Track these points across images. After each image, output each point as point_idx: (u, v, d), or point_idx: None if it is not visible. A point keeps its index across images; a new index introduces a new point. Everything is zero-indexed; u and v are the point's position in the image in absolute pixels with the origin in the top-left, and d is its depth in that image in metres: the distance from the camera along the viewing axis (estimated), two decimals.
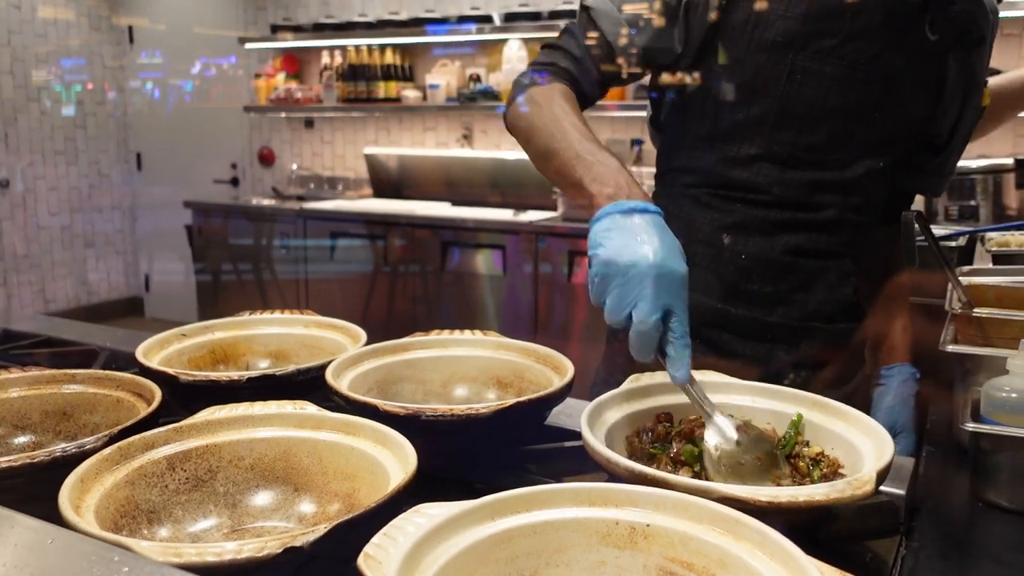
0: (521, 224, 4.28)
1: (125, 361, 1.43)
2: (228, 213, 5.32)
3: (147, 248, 6.80)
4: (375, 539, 0.66)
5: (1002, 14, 1.46)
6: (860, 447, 0.89)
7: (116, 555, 0.64)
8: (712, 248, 1.31)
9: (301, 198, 5.46)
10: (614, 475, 0.82)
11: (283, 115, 5.85)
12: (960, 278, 1.35)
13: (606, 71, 1.30)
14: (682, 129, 1.35)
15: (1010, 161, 3.45)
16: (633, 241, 0.94)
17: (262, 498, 0.91)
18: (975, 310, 1.23)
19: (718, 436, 0.91)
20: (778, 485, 0.87)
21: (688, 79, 1.32)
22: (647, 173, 3.88)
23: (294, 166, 5.85)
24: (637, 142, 4.58)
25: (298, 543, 0.66)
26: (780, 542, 0.65)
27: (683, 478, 0.79)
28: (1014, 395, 1.08)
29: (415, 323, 4.53)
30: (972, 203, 3.52)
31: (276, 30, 5.56)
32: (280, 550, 0.65)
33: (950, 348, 1.19)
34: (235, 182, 6.23)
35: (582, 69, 1.30)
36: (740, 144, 1.29)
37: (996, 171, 3.50)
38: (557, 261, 4.16)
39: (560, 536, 0.73)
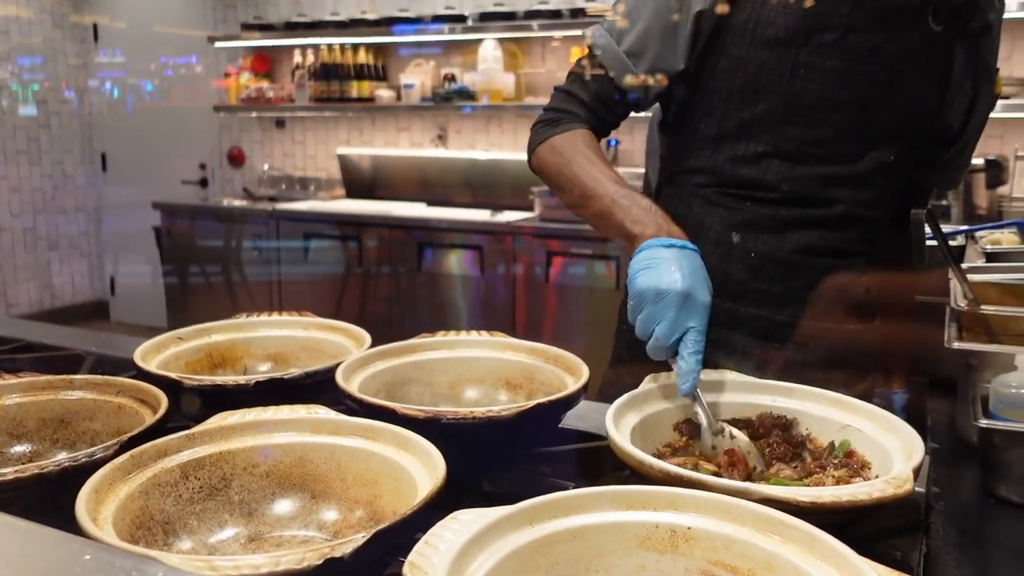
0: (498, 224, 4.26)
1: (113, 366, 1.39)
2: (197, 214, 5.23)
3: (113, 250, 6.66)
4: (418, 547, 0.64)
5: None
6: (887, 445, 0.89)
7: (160, 570, 0.61)
8: (722, 247, 1.30)
9: (273, 199, 5.38)
10: (646, 477, 0.81)
11: (254, 115, 5.76)
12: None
13: (616, 108, 1.36)
14: (690, 130, 1.35)
15: (981, 162, 3.51)
16: (667, 272, 1.04)
17: (279, 506, 0.88)
18: (982, 307, 1.24)
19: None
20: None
21: (694, 82, 1.32)
22: (625, 174, 3.88)
23: (265, 166, 5.77)
24: (613, 143, 4.58)
25: (338, 554, 0.63)
26: (831, 544, 0.64)
27: (721, 480, 0.78)
28: (1023, 391, 1.09)
29: (390, 325, 4.49)
30: (944, 203, 3.57)
31: (246, 28, 5.47)
32: (320, 561, 0.63)
33: (956, 345, 1.20)
34: (204, 183, 6.13)
35: (593, 112, 1.36)
36: (748, 142, 1.29)
37: (968, 171, 3.55)
38: (534, 262, 4.15)
39: (599, 541, 0.72)
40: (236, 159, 5.98)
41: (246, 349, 1.31)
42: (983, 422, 1.04)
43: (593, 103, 1.35)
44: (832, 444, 0.97)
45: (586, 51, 1.36)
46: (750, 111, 1.28)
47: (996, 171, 3.45)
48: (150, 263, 5.91)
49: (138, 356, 1.15)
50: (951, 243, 1.84)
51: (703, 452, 0.98)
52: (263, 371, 1.29)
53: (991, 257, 1.47)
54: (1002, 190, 3.55)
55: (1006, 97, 3.48)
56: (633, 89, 1.32)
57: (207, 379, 1.07)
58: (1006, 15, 1.41)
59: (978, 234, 1.66)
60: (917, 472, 0.81)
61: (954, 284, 1.32)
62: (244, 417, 0.92)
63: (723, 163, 1.32)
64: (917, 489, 1.01)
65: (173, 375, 1.07)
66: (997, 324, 1.23)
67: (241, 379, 1.06)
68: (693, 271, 1.05)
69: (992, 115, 1.47)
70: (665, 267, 1.05)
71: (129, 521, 0.78)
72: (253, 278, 5.01)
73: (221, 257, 5.11)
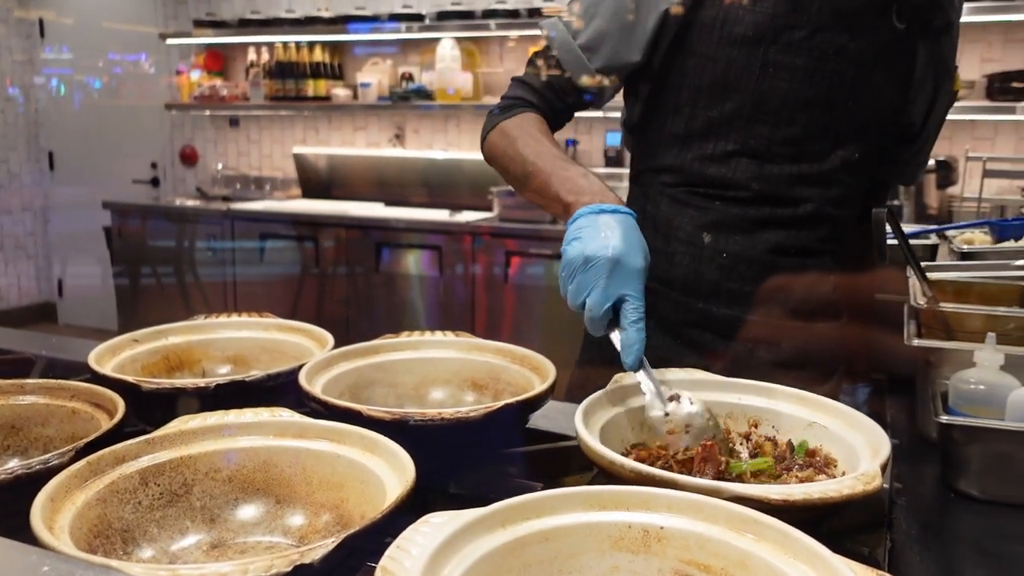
0: (457, 224, 4.24)
1: (64, 370, 1.35)
2: (149, 214, 5.13)
3: (60, 251, 6.50)
4: (389, 552, 0.62)
5: None
6: (853, 442, 0.90)
7: None
8: (693, 247, 1.30)
9: (227, 199, 5.30)
10: (617, 477, 0.80)
11: (207, 113, 5.67)
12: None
13: (568, 99, 1.35)
14: (657, 129, 1.35)
15: (931, 163, 3.58)
16: (596, 238, 1.01)
17: (243, 512, 0.86)
18: (941, 305, 1.26)
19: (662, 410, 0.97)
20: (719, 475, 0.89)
21: (660, 79, 1.32)
22: None
23: (219, 166, 5.68)
24: (571, 142, 4.59)
25: (307, 560, 0.62)
26: (805, 541, 0.64)
27: (693, 478, 0.77)
28: (982, 387, 1.11)
29: (347, 326, 4.45)
30: (896, 203, 3.64)
31: (198, 25, 5.38)
32: (289, 568, 0.61)
33: (916, 343, 1.22)
34: (156, 182, 6.02)
35: (547, 101, 1.35)
36: (716, 141, 1.29)
37: None
38: (493, 262, 4.14)
39: (572, 542, 0.71)
40: (189, 158, 5.87)
41: (204, 351, 1.28)
42: (943, 418, 1.05)
43: (545, 91, 1.34)
44: (791, 444, 0.97)
45: (542, 46, 1.36)
46: (719, 109, 1.28)
47: (946, 172, 3.53)
48: (100, 264, 5.78)
49: (92, 359, 1.12)
50: (924, 242, 1.88)
51: (653, 427, 0.96)
52: (223, 374, 1.26)
53: (965, 256, 1.50)
54: (952, 190, 3.63)
55: (956, 99, 3.57)
56: (587, 84, 1.32)
57: (166, 382, 1.04)
58: None
59: (950, 233, 1.69)
60: (884, 468, 0.81)
61: (913, 282, 1.34)
62: (205, 421, 0.90)
63: (691, 162, 1.32)
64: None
65: (130, 378, 1.04)
66: (955, 321, 1.26)
67: (201, 382, 1.03)
68: (625, 235, 1.02)
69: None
70: (594, 234, 1.02)
71: (87, 530, 0.75)
72: (207, 279, 4.93)
73: (174, 258, 5.03)
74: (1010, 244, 1.56)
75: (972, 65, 3.81)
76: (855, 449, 0.89)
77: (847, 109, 1.29)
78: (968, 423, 1.04)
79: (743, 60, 1.25)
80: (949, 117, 1.49)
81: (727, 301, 1.31)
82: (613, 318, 1.01)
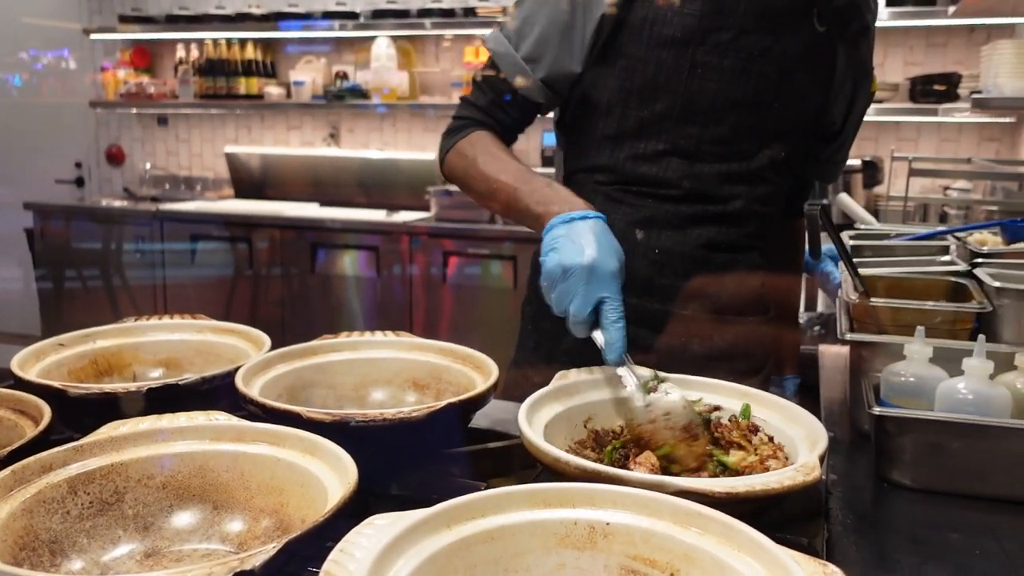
0: (394, 225, 4.20)
1: None
2: (74, 215, 4.97)
3: None
4: (333, 555, 0.61)
5: None
6: (792, 435, 0.91)
7: None
8: (626, 244, 1.30)
9: (156, 199, 5.16)
10: (561, 474, 0.80)
11: (134, 111, 5.51)
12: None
13: (513, 111, 1.37)
14: (589, 129, 1.36)
15: (858, 163, 3.68)
16: (570, 248, 1.05)
17: (178, 519, 0.83)
18: (872, 299, 1.29)
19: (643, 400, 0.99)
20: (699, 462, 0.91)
21: (591, 81, 1.33)
22: None
23: (147, 165, 5.53)
24: None
25: (248, 566, 0.60)
26: (749, 534, 0.65)
27: (637, 473, 0.78)
28: (912, 379, 1.14)
29: (283, 328, 4.37)
30: (824, 201, 3.72)
31: (123, 21, 5.22)
32: (229, 575, 0.59)
33: (849, 336, 1.24)
34: (80, 182, 5.82)
35: (495, 117, 1.37)
36: (648, 140, 1.31)
37: (845, 171, 3.72)
38: (431, 262, 4.12)
39: (518, 540, 0.70)
40: (115, 157, 5.70)
41: (135, 355, 1.24)
42: (876, 410, 1.07)
43: (491, 108, 1.36)
44: (735, 417, 1.00)
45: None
46: (649, 110, 1.30)
47: (872, 171, 3.63)
48: (21, 267, 5.56)
49: (15, 364, 1.07)
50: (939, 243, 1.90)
51: (634, 418, 0.98)
52: (155, 378, 1.22)
53: (975, 256, 1.52)
54: (878, 190, 3.73)
55: (880, 101, 3.67)
56: (531, 93, 1.33)
57: (94, 387, 1.00)
58: (878, 23, 1.50)
59: (960, 234, 1.72)
60: (822, 460, 0.83)
61: (845, 277, 1.37)
62: (137, 426, 0.87)
63: (624, 161, 1.33)
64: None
65: (56, 384, 1.00)
66: (886, 315, 1.29)
67: (132, 386, 1.00)
68: (597, 241, 1.06)
69: (867, 118, 1.54)
70: (568, 243, 1.06)
71: (12, 542, 0.72)
72: (135, 282, 4.79)
73: (100, 260, 4.87)
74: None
75: (895, 68, 3.93)
76: (794, 441, 0.90)
77: (773, 109, 1.32)
78: (899, 414, 1.07)
79: (672, 61, 1.27)
80: (875, 118, 1.55)
81: (660, 296, 1.33)
82: (595, 319, 1.05)
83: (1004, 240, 1.67)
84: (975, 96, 2.48)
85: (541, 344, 1.38)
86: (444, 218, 4.19)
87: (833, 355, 1.57)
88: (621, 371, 1.02)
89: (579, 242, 1.05)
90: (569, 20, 1.28)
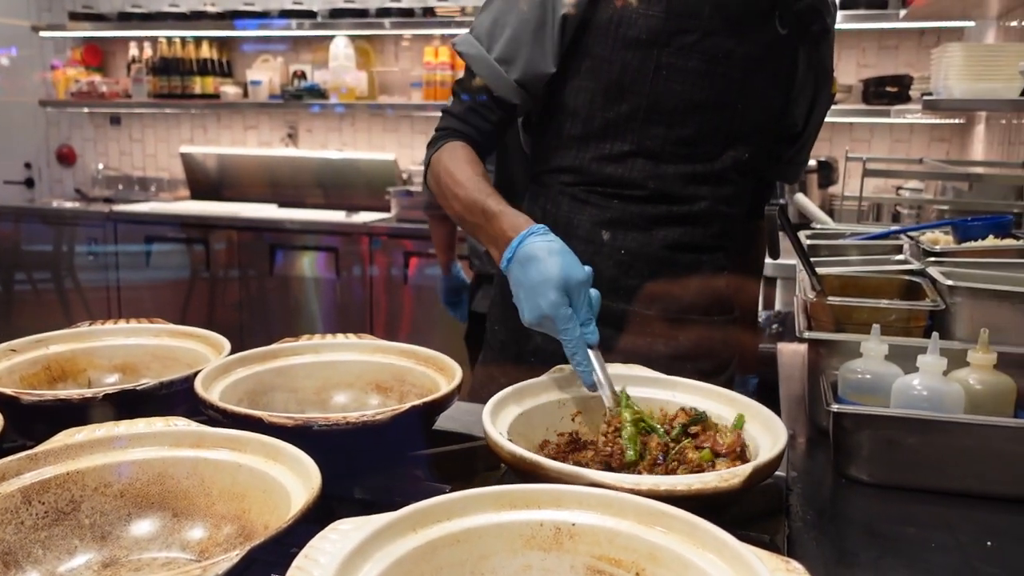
0: (353, 225, 4.17)
1: None
2: (23, 216, 4.86)
3: None
4: (297, 562, 0.60)
5: None
6: (752, 432, 0.92)
7: None
8: (592, 245, 1.32)
9: (109, 200, 5.06)
10: (527, 475, 0.80)
11: (85, 110, 5.40)
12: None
13: (492, 117, 1.35)
14: (555, 130, 1.36)
15: (813, 163, 3.74)
16: (536, 265, 1.06)
17: (137, 528, 0.82)
18: (829, 298, 1.31)
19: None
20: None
21: (558, 82, 1.33)
22: None
23: (99, 166, 5.42)
24: None
25: (210, 574, 0.59)
26: (713, 532, 0.65)
27: (601, 473, 0.78)
28: (868, 376, 1.16)
29: (241, 331, 4.32)
30: (782, 201, 3.78)
31: (74, 18, 5.12)
32: None
33: (807, 335, 1.26)
34: (30, 183, 5.69)
35: (473, 125, 1.35)
36: (613, 141, 1.31)
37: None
38: (391, 263, 4.10)
39: (484, 543, 0.70)
40: (66, 158, 5.58)
41: (89, 360, 1.21)
42: (834, 407, 1.09)
43: (468, 114, 1.34)
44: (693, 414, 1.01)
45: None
46: (615, 111, 1.30)
47: (827, 172, 3.69)
48: None
49: None
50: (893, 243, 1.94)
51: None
52: (111, 383, 1.20)
53: (928, 255, 1.54)
54: (833, 190, 3.80)
55: (835, 103, 3.73)
56: (507, 94, 1.32)
57: (48, 394, 0.98)
58: None
59: (913, 233, 1.75)
60: (781, 456, 0.84)
61: (802, 276, 1.39)
62: (93, 433, 0.85)
63: (589, 162, 1.34)
64: (779, 474, 1.06)
65: (8, 391, 0.97)
66: (842, 314, 1.31)
67: (87, 392, 0.98)
68: (560, 254, 1.07)
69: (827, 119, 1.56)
70: (533, 262, 1.07)
71: None
72: (88, 285, 4.70)
73: (52, 263, 4.77)
74: (974, 244, 1.60)
75: (849, 70, 4.00)
76: (754, 438, 0.91)
77: (736, 111, 1.33)
78: (856, 411, 1.09)
79: (637, 63, 1.28)
80: (829, 119, 1.57)
81: (625, 296, 1.33)
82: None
83: (955, 239, 1.71)
84: (926, 98, 2.53)
85: (507, 345, 1.38)
86: (405, 219, 4.17)
87: (791, 353, 1.60)
88: (595, 376, 1.03)
89: (541, 258, 1.06)
90: (540, 20, 1.28)
